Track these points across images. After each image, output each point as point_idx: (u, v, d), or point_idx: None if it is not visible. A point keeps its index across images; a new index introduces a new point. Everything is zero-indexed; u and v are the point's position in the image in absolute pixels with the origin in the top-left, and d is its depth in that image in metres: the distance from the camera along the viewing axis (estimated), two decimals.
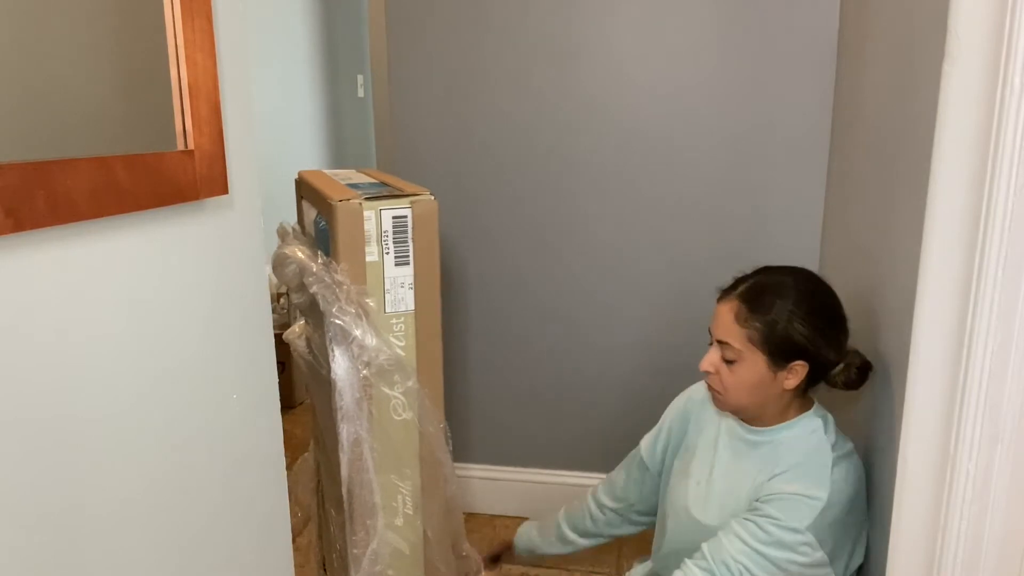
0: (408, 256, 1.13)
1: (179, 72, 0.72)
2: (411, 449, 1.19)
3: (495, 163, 1.81)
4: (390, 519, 1.21)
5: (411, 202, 1.12)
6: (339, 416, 1.11)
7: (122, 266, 0.68)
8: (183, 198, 0.73)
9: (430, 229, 1.14)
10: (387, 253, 1.12)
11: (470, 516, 2.00)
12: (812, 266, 1.71)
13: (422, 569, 1.24)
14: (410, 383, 1.17)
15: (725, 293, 1.19)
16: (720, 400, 1.20)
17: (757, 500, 1.12)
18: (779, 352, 1.12)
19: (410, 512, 1.21)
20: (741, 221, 1.73)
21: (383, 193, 1.13)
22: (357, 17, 4.03)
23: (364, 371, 1.10)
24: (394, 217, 1.11)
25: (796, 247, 1.71)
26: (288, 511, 0.98)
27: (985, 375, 0.85)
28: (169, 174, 0.71)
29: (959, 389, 0.87)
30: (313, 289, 1.07)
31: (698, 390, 1.35)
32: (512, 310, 1.89)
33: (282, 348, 2.79)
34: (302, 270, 1.10)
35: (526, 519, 1.98)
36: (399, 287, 1.13)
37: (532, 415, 1.95)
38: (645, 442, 1.43)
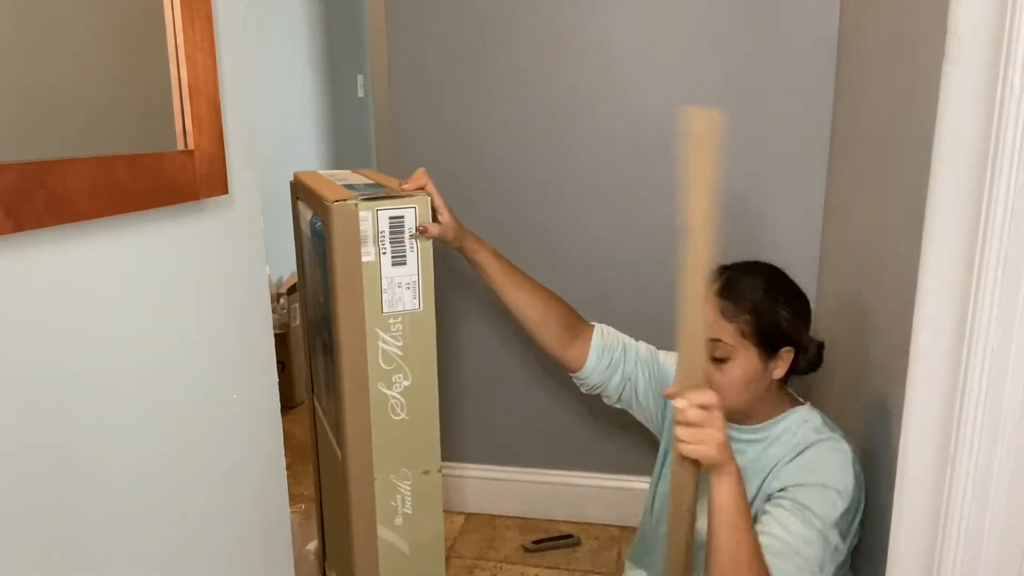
0: (405, 256, 1.13)
1: (179, 72, 0.72)
2: (409, 449, 1.19)
3: (494, 163, 1.81)
4: (389, 519, 1.21)
5: (408, 203, 1.13)
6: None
7: (122, 266, 0.68)
8: (183, 198, 0.73)
9: None
10: (384, 253, 1.12)
11: (468, 516, 2.00)
12: (812, 266, 1.72)
13: (422, 569, 1.24)
14: (408, 383, 1.17)
15: None
16: None
17: (781, 491, 1.10)
18: (769, 341, 1.14)
19: (409, 512, 1.21)
20: (741, 221, 1.73)
21: (380, 194, 1.13)
22: (357, 17, 4.03)
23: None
24: (391, 218, 1.12)
25: (796, 247, 1.71)
26: (288, 511, 0.98)
27: (985, 375, 0.85)
28: (169, 174, 0.71)
29: (959, 389, 0.87)
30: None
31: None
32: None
33: (282, 348, 2.80)
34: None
35: (524, 519, 1.98)
36: (396, 287, 1.14)
37: (528, 415, 1.94)
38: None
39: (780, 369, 1.15)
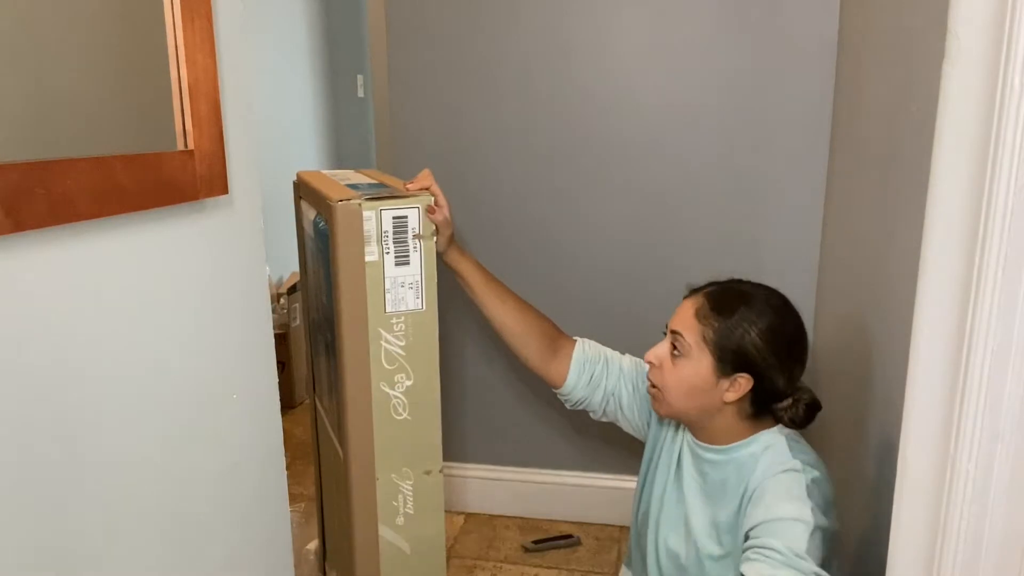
0: (408, 256, 1.13)
1: (179, 72, 0.72)
2: (411, 449, 1.20)
3: (495, 163, 1.81)
4: (391, 519, 1.21)
5: (411, 203, 1.13)
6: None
7: (122, 266, 0.68)
8: (183, 198, 0.73)
9: (429, 229, 1.14)
10: (387, 253, 1.12)
11: (468, 516, 2.00)
12: (811, 268, 1.71)
13: (423, 569, 1.24)
14: (410, 383, 1.17)
15: (695, 290, 1.19)
16: (658, 399, 1.19)
17: (751, 530, 1.06)
18: (727, 358, 1.11)
19: (411, 512, 1.21)
20: (741, 222, 1.73)
21: (383, 194, 1.14)
22: (357, 17, 4.03)
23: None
24: (394, 217, 1.12)
25: (796, 248, 1.71)
26: (288, 511, 0.98)
27: (985, 375, 0.84)
28: (169, 174, 0.71)
29: (959, 389, 0.87)
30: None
31: None
32: None
33: (282, 348, 2.80)
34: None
35: (524, 519, 1.98)
36: (399, 287, 1.14)
37: (530, 415, 1.95)
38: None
39: (732, 393, 1.11)
